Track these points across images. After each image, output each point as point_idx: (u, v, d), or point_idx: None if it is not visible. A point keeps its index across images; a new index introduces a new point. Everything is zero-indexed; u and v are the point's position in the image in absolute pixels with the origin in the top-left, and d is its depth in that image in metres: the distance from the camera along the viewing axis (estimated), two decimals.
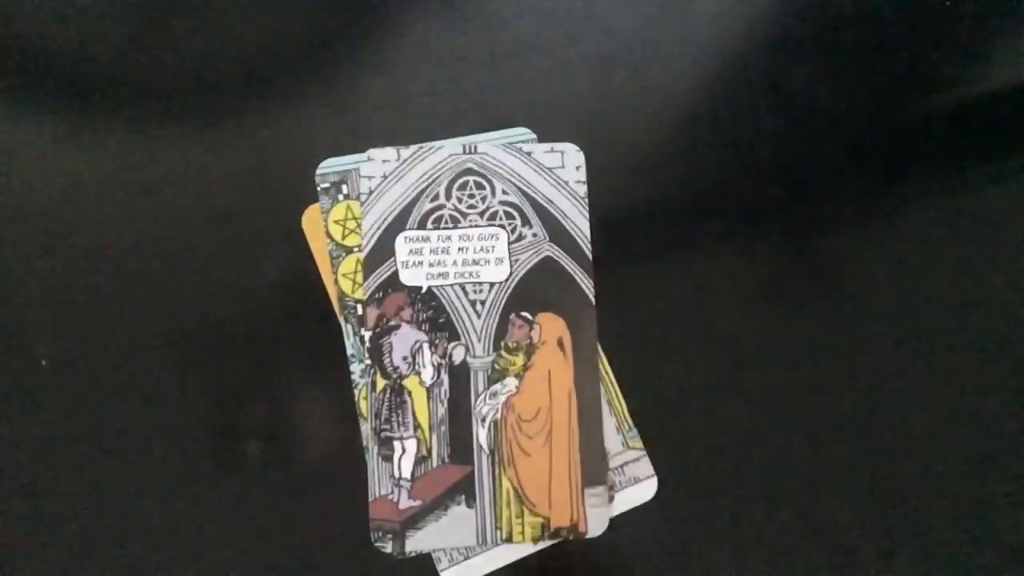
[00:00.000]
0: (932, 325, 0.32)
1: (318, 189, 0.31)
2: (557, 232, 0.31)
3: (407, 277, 0.30)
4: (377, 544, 0.29)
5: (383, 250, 0.31)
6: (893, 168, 0.33)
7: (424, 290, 0.30)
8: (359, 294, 0.30)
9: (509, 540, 0.29)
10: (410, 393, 0.30)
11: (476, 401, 0.30)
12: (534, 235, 0.31)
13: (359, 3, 0.33)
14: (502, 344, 0.30)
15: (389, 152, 0.31)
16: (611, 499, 0.30)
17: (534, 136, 0.32)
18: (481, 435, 0.30)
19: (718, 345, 0.32)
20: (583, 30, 0.33)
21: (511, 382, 0.30)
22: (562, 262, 0.31)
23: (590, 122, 0.32)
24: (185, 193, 0.31)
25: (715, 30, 0.33)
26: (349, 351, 0.30)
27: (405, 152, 0.31)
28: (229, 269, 0.31)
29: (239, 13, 0.32)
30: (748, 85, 0.33)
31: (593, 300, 0.31)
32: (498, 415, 0.30)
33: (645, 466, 0.30)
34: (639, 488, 0.30)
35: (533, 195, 0.31)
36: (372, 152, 0.31)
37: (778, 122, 0.33)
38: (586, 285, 0.31)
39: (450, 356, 0.30)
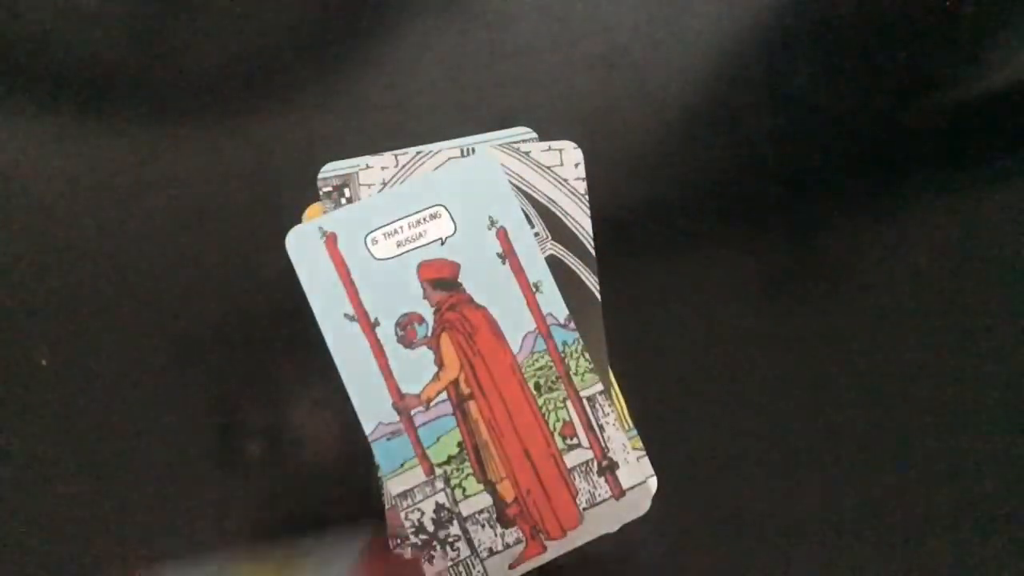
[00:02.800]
0: (932, 325, 0.32)
1: (320, 192, 0.31)
2: (559, 230, 0.31)
3: None
4: (397, 551, 0.29)
5: None
6: (893, 168, 0.33)
7: None
8: None
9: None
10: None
11: None
12: (536, 234, 0.31)
13: (359, 3, 0.33)
14: None
15: (387, 159, 0.31)
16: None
17: (535, 135, 0.32)
18: None
19: (718, 344, 0.32)
20: (583, 30, 0.33)
21: None
22: (566, 260, 0.31)
23: (591, 122, 0.32)
24: (185, 193, 0.31)
25: (715, 30, 0.33)
26: None
27: (403, 158, 0.31)
28: (229, 269, 0.31)
29: (239, 13, 0.32)
30: (748, 85, 0.33)
31: (599, 296, 0.31)
32: None
33: (645, 466, 0.30)
34: (639, 489, 0.30)
35: (533, 194, 0.31)
36: (370, 160, 0.31)
37: (778, 122, 0.33)
38: (591, 282, 0.31)
39: None
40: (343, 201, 0.31)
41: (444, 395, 0.30)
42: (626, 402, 0.31)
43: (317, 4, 0.33)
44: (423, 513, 0.29)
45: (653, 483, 0.30)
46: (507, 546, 0.29)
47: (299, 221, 0.31)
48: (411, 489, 0.29)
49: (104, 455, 0.30)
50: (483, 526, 0.29)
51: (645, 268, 0.32)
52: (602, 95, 0.33)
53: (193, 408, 0.30)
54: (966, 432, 0.32)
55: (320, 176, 0.31)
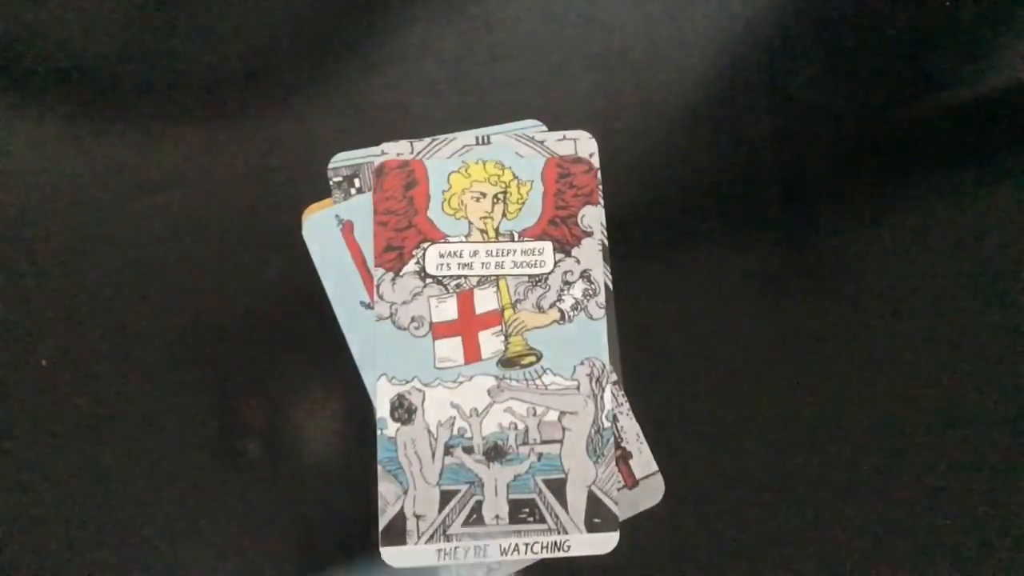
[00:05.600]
0: (932, 325, 0.32)
1: (330, 183, 0.31)
2: None
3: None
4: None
5: None
6: (893, 168, 0.33)
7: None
8: None
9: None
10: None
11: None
12: None
13: (359, 3, 0.33)
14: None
15: (403, 145, 0.31)
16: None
17: (545, 127, 0.32)
18: None
19: (717, 343, 0.32)
20: (583, 30, 0.33)
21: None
22: None
23: (590, 122, 0.32)
24: (185, 193, 0.31)
25: (715, 30, 0.33)
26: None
27: (419, 145, 0.31)
28: (229, 269, 0.31)
29: (239, 12, 0.32)
30: (748, 85, 0.33)
31: (611, 286, 0.31)
32: None
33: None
34: (653, 478, 0.30)
35: None
36: (385, 146, 0.31)
37: (778, 122, 0.33)
38: (604, 271, 0.31)
39: None
40: (352, 192, 0.31)
41: None
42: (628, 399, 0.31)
43: (317, 4, 0.33)
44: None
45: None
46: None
47: (299, 221, 0.31)
48: None
49: (104, 455, 0.30)
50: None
51: (645, 268, 0.32)
52: (602, 95, 0.33)
53: (193, 408, 0.30)
54: (967, 430, 0.32)
55: (330, 166, 0.31)
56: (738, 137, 0.33)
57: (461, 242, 0.30)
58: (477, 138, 0.31)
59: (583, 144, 0.32)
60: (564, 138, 0.32)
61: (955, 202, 0.33)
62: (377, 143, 0.31)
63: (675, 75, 0.33)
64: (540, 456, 0.30)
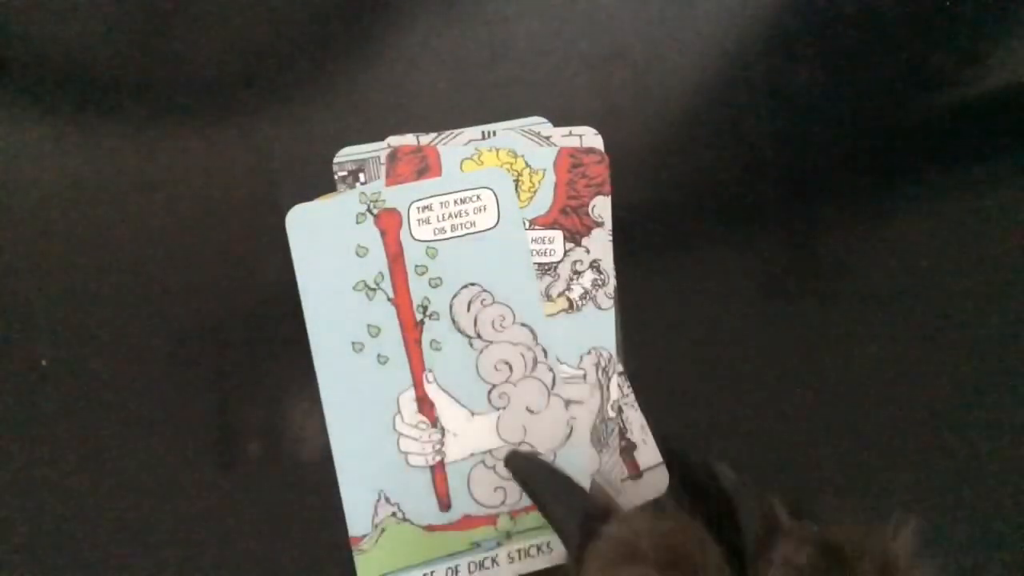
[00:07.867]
0: (932, 324, 0.32)
1: (335, 177, 0.31)
2: None
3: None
4: None
5: None
6: (893, 168, 0.33)
7: None
8: None
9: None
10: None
11: None
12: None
13: (360, 3, 0.33)
14: None
15: (409, 139, 0.31)
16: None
17: (550, 124, 0.32)
18: None
19: (717, 344, 0.32)
20: (583, 30, 0.33)
21: None
22: None
23: (591, 122, 0.32)
24: (185, 193, 0.31)
25: (715, 30, 0.33)
26: None
27: (425, 139, 0.31)
28: (228, 269, 0.31)
29: (239, 13, 0.32)
30: (748, 85, 0.33)
31: (614, 281, 0.31)
32: None
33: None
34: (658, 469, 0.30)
35: None
36: (392, 139, 0.31)
37: (778, 122, 0.33)
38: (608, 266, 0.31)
39: None
40: (357, 187, 0.31)
41: None
42: None
43: (318, 3, 0.33)
44: None
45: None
46: None
47: None
48: None
49: (104, 455, 0.30)
50: None
51: (645, 267, 0.32)
52: (602, 96, 0.33)
53: (192, 408, 0.30)
54: (966, 430, 0.32)
55: (336, 160, 0.31)
56: (738, 137, 0.33)
57: None
58: (483, 133, 0.31)
59: (589, 140, 0.32)
60: (570, 134, 0.32)
61: (955, 202, 0.33)
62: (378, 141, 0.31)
63: (675, 75, 0.33)
64: None
